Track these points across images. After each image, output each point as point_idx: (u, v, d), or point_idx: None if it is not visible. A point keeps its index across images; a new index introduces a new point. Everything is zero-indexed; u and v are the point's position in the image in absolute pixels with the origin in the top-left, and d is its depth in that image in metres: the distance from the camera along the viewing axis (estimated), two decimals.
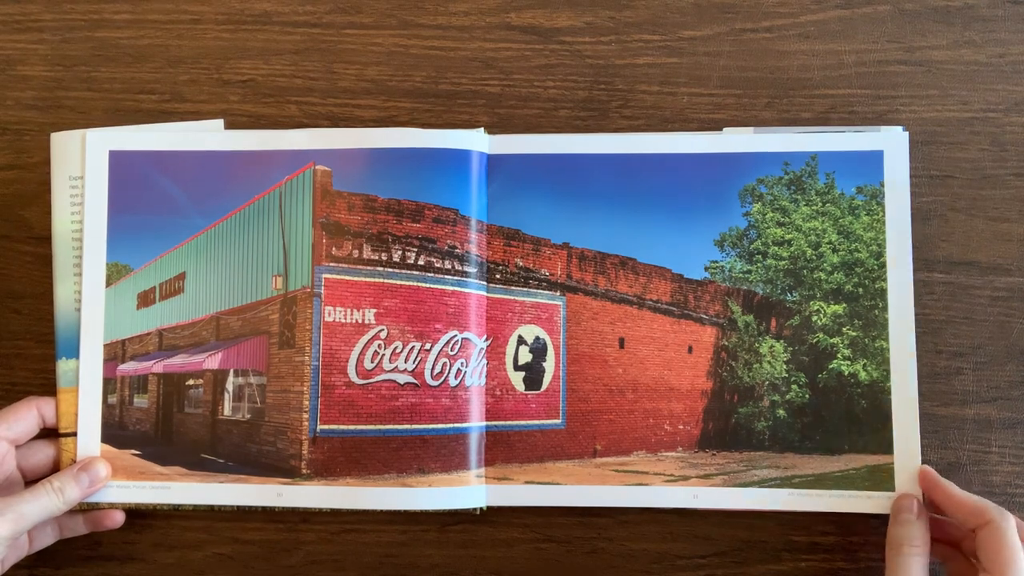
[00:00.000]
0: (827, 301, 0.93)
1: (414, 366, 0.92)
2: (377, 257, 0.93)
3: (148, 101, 0.97)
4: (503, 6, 0.97)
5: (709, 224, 0.93)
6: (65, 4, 0.98)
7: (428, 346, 0.92)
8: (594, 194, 0.94)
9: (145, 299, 0.96)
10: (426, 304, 0.93)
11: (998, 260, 0.93)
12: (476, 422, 0.92)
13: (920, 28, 0.96)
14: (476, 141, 0.93)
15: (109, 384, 0.93)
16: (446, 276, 0.93)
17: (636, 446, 0.94)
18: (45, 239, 0.94)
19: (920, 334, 0.92)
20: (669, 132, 0.95)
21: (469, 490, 0.91)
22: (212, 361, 0.97)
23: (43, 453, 0.91)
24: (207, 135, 0.95)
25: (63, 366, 0.93)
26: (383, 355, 0.92)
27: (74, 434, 0.92)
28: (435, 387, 0.92)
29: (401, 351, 0.92)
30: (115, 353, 0.94)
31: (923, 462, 0.91)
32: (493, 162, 0.94)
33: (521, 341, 0.94)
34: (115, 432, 0.93)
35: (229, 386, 0.96)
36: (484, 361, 0.93)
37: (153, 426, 0.96)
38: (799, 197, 0.93)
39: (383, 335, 0.92)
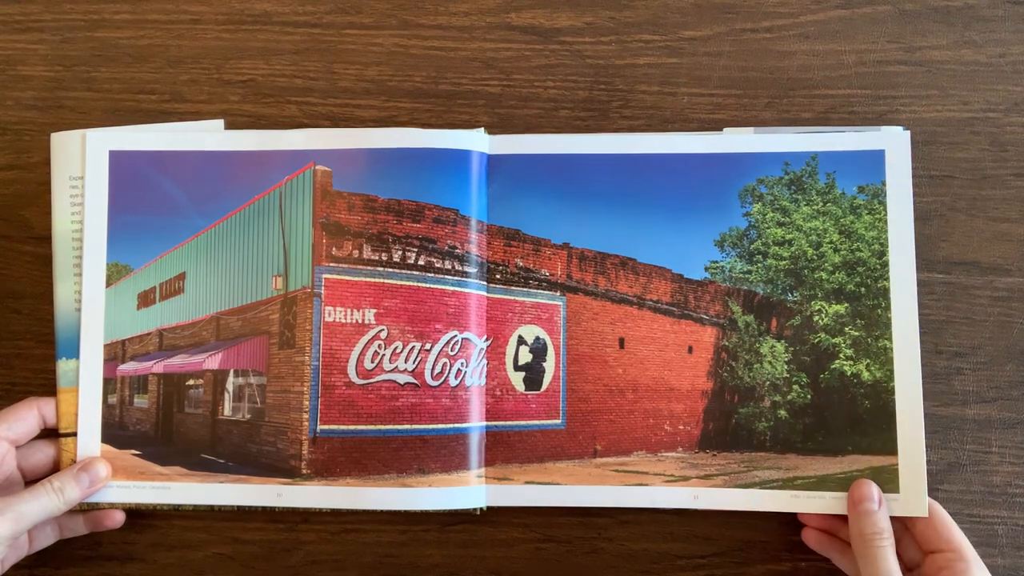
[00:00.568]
0: (828, 301, 0.93)
1: (414, 366, 0.92)
2: (377, 257, 0.93)
3: (148, 101, 0.97)
4: (503, 6, 0.97)
5: (709, 224, 0.93)
6: (65, 4, 0.98)
7: (428, 346, 0.92)
8: (594, 194, 0.94)
9: (145, 299, 0.96)
10: (426, 304, 0.93)
11: (998, 260, 0.93)
12: (476, 422, 0.92)
13: (920, 28, 0.96)
14: (476, 141, 0.93)
15: (109, 384, 0.93)
16: (446, 276, 0.93)
17: (636, 446, 0.94)
18: (45, 239, 0.94)
19: (920, 334, 0.92)
20: (669, 132, 0.95)
21: (469, 490, 0.91)
22: (212, 361, 0.97)
23: (43, 453, 0.91)
24: (207, 135, 0.95)
25: (63, 366, 0.93)
26: (383, 355, 0.92)
27: (74, 434, 0.92)
28: (435, 387, 0.92)
29: (401, 351, 0.92)
30: (115, 353, 0.94)
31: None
32: (493, 162, 0.94)
33: (521, 341, 0.94)
34: (115, 432, 0.93)
35: (229, 386, 0.96)
36: (484, 361, 0.93)
37: (153, 426, 0.96)
38: (799, 197, 0.93)
39: (383, 335, 0.92)
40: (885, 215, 0.92)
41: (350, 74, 0.97)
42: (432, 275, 0.93)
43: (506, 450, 0.93)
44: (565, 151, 0.94)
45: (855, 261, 0.92)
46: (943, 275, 0.93)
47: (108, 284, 0.93)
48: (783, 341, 0.93)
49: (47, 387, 0.94)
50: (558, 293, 0.96)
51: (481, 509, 0.92)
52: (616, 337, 0.95)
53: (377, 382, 0.92)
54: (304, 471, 0.91)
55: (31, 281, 0.96)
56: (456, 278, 0.93)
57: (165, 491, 0.92)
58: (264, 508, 0.92)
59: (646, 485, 0.92)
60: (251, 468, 0.93)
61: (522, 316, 0.95)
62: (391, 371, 0.92)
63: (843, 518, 0.88)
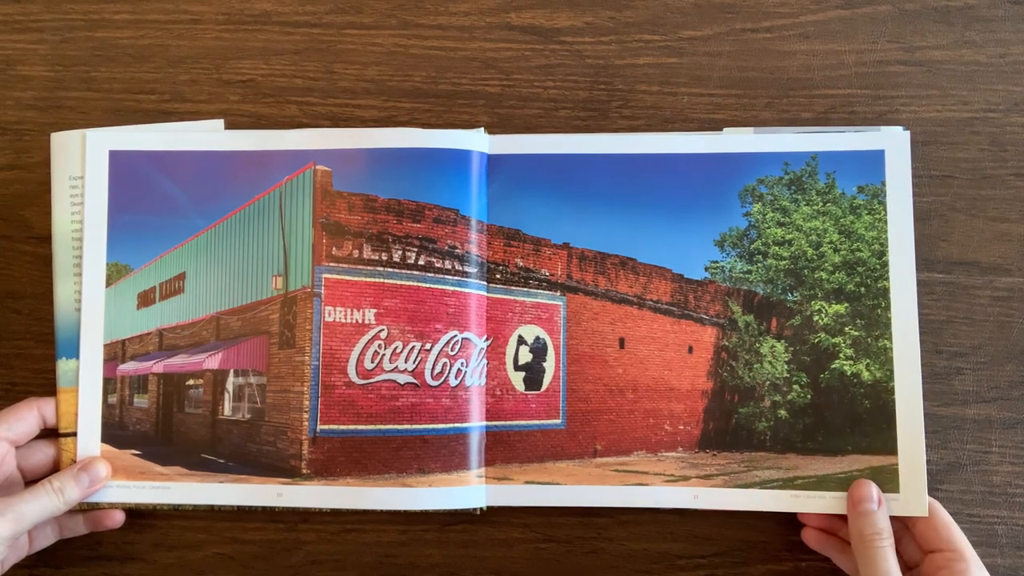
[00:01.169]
0: (828, 301, 0.93)
1: (414, 366, 0.92)
2: (377, 257, 0.92)
3: (148, 101, 0.97)
4: (503, 6, 0.97)
5: (709, 224, 0.93)
6: (65, 4, 0.98)
7: (428, 346, 0.92)
8: (594, 194, 0.94)
9: (145, 299, 0.96)
10: (426, 304, 0.92)
11: (998, 260, 0.93)
12: (476, 422, 0.92)
13: (920, 28, 0.96)
14: (476, 141, 0.93)
15: (109, 384, 0.93)
16: (446, 276, 0.93)
17: (636, 446, 0.94)
18: (45, 239, 0.94)
19: (920, 334, 0.92)
20: (669, 132, 0.95)
21: (469, 490, 0.91)
22: (212, 361, 0.97)
23: (43, 453, 0.91)
24: (207, 135, 0.95)
25: (63, 366, 0.93)
26: (383, 355, 0.92)
27: (74, 434, 0.92)
28: (435, 387, 0.92)
29: (401, 351, 0.92)
30: (115, 353, 0.94)
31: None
32: (493, 162, 0.94)
33: (521, 341, 0.94)
34: (115, 432, 0.93)
35: (229, 386, 0.95)
36: (484, 361, 0.93)
37: (153, 426, 0.96)
38: (799, 197, 0.93)
39: (383, 335, 0.92)
40: (885, 215, 0.92)
41: (350, 74, 0.97)
42: (432, 275, 0.93)
43: (506, 450, 0.93)
44: (565, 151, 0.94)
45: (855, 261, 0.92)
46: (943, 275, 0.93)
47: (108, 284, 0.93)
48: (783, 341, 0.93)
49: (47, 387, 0.94)
50: (558, 293, 0.96)
51: (481, 509, 0.92)
52: (616, 337, 0.95)
53: (377, 382, 0.92)
54: (304, 471, 0.91)
55: (31, 281, 0.96)
56: (456, 278, 0.93)
57: (165, 491, 0.92)
58: (264, 508, 0.92)
59: (646, 485, 0.92)
60: (251, 468, 0.93)
61: (522, 316, 0.95)
62: (391, 371, 0.92)
63: (843, 517, 0.88)
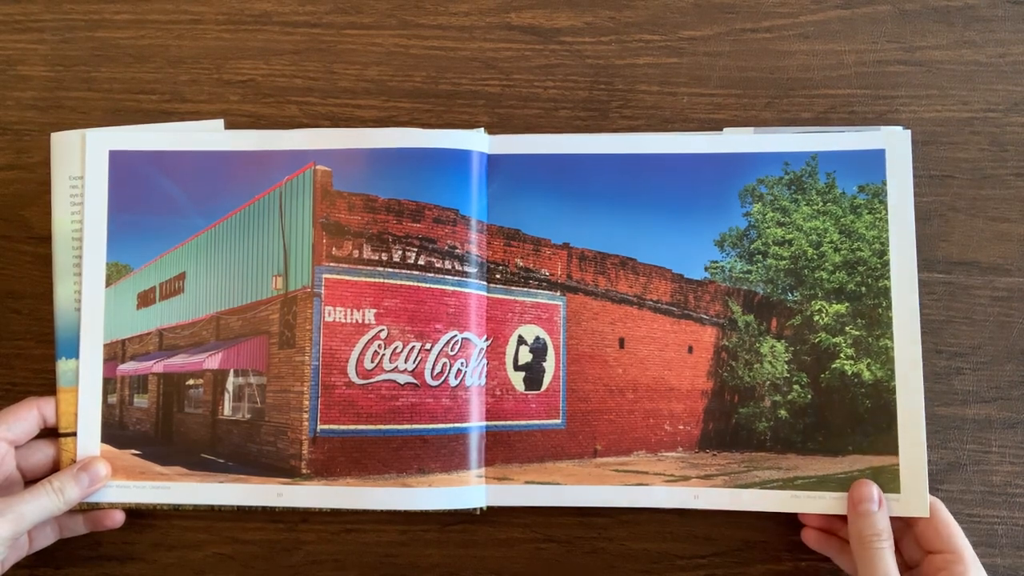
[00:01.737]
0: (829, 300, 0.93)
1: (414, 366, 0.92)
2: (377, 257, 0.92)
3: (148, 101, 0.97)
4: (503, 6, 0.97)
5: (709, 224, 0.93)
6: (65, 4, 0.98)
7: (428, 346, 0.92)
8: (594, 194, 0.94)
9: (145, 299, 0.96)
10: (426, 304, 0.92)
11: (998, 260, 0.93)
12: (476, 422, 0.92)
13: (920, 28, 0.96)
14: (476, 141, 0.93)
15: (109, 384, 0.93)
16: (446, 276, 0.93)
17: (636, 446, 0.94)
18: (45, 239, 0.94)
19: (920, 334, 0.92)
20: (669, 132, 0.95)
21: (469, 490, 0.91)
22: (212, 361, 0.97)
23: (43, 453, 0.91)
24: (207, 135, 0.95)
25: (63, 366, 0.92)
26: (383, 355, 0.92)
27: (74, 434, 0.92)
28: (435, 387, 0.92)
29: (401, 351, 0.92)
30: (115, 353, 0.94)
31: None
32: (493, 162, 0.94)
33: (521, 341, 0.94)
34: (115, 432, 0.93)
35: (229, 386, 0.95)
36: (484, 361, 0.93)
37: (153, 426, 0.95)
38: (799, 197, 0.93)
39: (383, 335, 0.92)
40: (886, 214, 0.92)
41: (350, 74, 0.97)
42: (432, 275, 0.93)
43: (506, 450, 0.93)
44: (565, 151, 0.94)
45: (855, 261, 0.92)
46: (943, 275, 0.93)
47: (108, 284, 0.93)
48: (783, 341, 0.93)
49: (47, 387, 0.93)
50: (558, 293, 0.96)
51: (481, 509, 0.92)
52: (616, 337, 0.95)
53: (377, 382, 0.92)
54: (304, 471, 0.91)
55: (31, 281, 0.96)
56: (456, 278, 0.93)
57: (165, 491, 0.92)
58: (264, 508, 0.92)
59: (646, 485, 0.92)
60: (251, 468, 0.93)
61: (522, 316, 0.95)
62: (391, 371, 0.92)
63: (843, 517, 0.88)
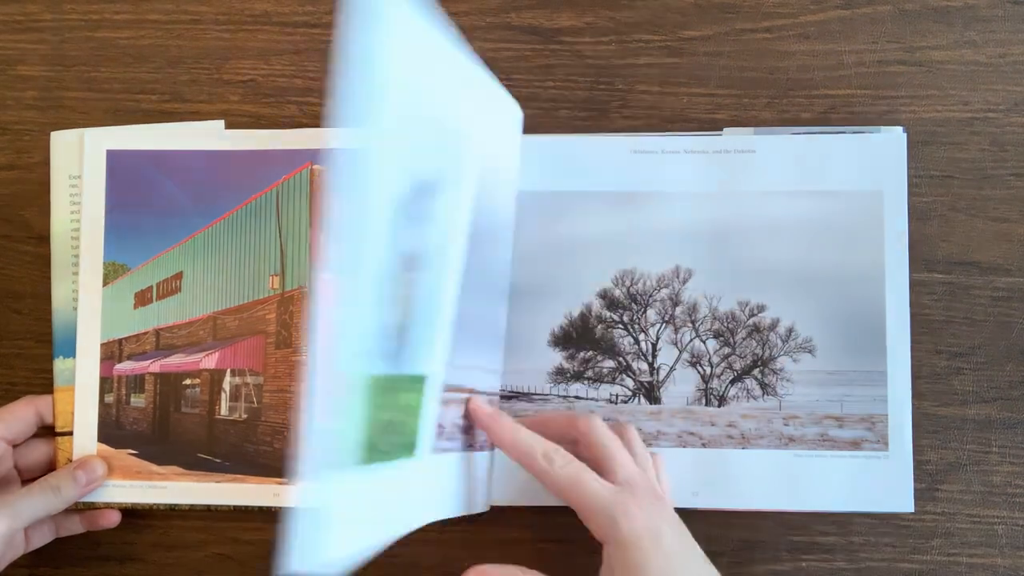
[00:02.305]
0: None
1: None
2: None
3: (148, 101, 0.97)
4: (503, 6, 0.97)
5: None
6: (65, 4, 0.98)
7: None
8: None
9: (142, 298, 0.96)
10: None
11: (998, 260, 0.93)
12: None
13: (920, 28, 0.95)
14: None
15: (106, 383, 0.93)
16: None
17: None
18: (45, 239, 0.95)
19: (920, 334, 0.92)
20: (671, 133, 0.95)
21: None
22: (209, 361, 0.96)
23: (39, 452, 0.91)
24: (207, 135, 0.95)
25: (60, 365, 0.93)
26: None
27: (70, 433, 0.92)
28: None
29: None
30: (112, 352, 0.94)
31: (923, 462, 0.91)
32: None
33: None
34: (112, 431, 0.93)
35: (226, 386, 0.95)
36: None
37: (150, 425, 0.95)
38: None
39: None
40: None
41: None
42: None
43: None
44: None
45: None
46: (943, 275, 0.93)
47: (105, 283, 0.93)
48: None
49: (47, 387, 0.94)
50: None
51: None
52: None
53: None
54: None
55: (31, 281, 0.96)
56: None
57: (162, 490, 0.92)
58: (261, 508, 0.92)
59: None
60: (248, 468, 0.92)
61: None
62: None
63: None
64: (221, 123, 0.95)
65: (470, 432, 0.87)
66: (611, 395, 0.93)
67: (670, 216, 0.93)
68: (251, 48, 0.98)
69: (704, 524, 0.92)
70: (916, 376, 0.91)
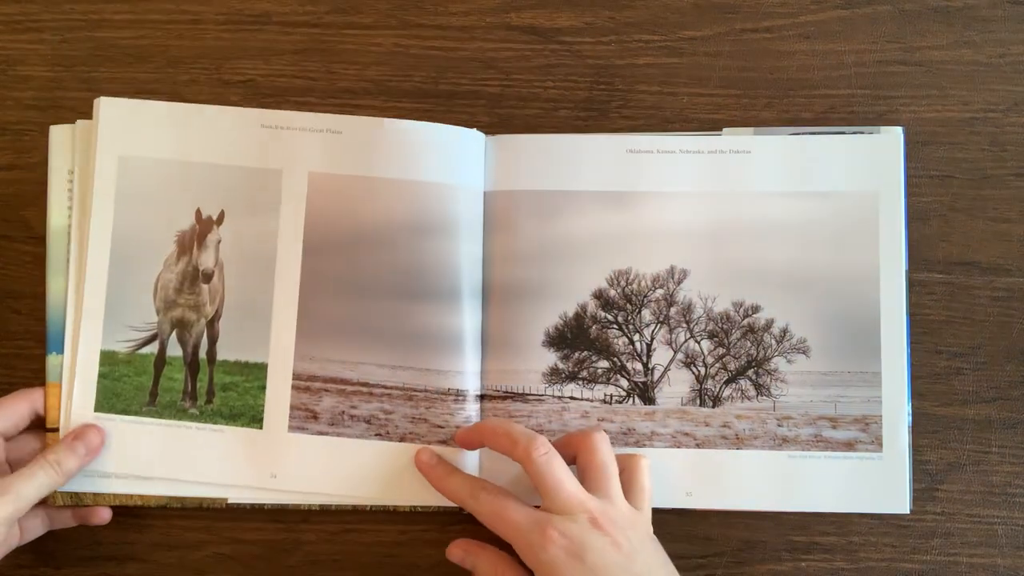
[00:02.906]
0: None
1: None
2: None
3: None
4: (503, 6, 0.97)
5: None
6: (65, 4, 0.98)
7: None
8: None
9: None
10: None
11: (998, 260, 0.93)
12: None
13: (920, 28, 0.96)
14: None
15: None
16: None
17: None
18: (45, 239, 0.94)
19: (920, 334, 0.92)
20: (669, 133, 0.95)
21: None
22: None
23: (30, 447, 0.89)
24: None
25: (52, 361, 0.92)
26: None
27: (57, 430, 0.91)
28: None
29: None
30: None
31: (923, 462, 0.91)
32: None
33: None
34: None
35: None
36: None
37: None
38: None
39: None
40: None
41: (350, 74, 0.97)
42: None
43: None
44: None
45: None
46: (943, 275, 0.93)
47: None
48: None
49: None
50: None
51: None
52: None
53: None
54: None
55: (31, 281, 0.95)
56: None
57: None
58: (254, 505, 0.92)
59: None
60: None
61: None
62: None
63: None
64: None
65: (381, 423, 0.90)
66: (605, 395, 0.93)
67: (665, 216, 0.93)
68: (251, 48, 0.97)
69: (704, 524, 0.92)
70: (916, 376, 0.92)
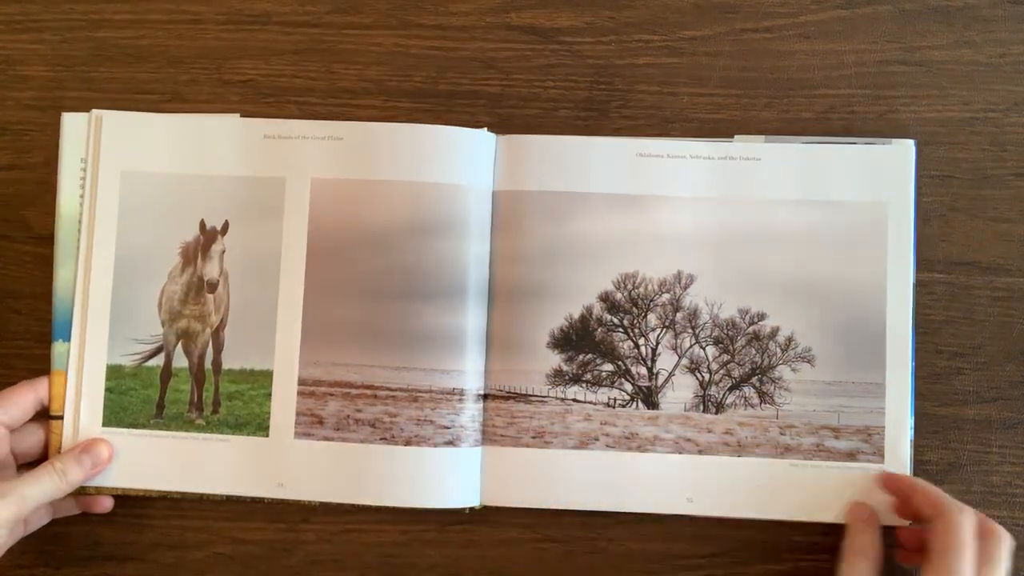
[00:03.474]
0: None
1: None
2: None
3: (148, 101, 0.97)
4: (503, 6, 0.97)
5: None
6: (65, 4, 0.98)
7: None
8: None
9: None
10: None
11: (998, 260, 0.93)
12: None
13: (920, 28, 0.96)
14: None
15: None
16: None
17: None
18: (46, 239, 0.94)
19: (920, 334, 0.92)
20: (680, 137, 0.94)
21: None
22: None
23: (35, 437, 0.90)
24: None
25: (58, 348, 0.92)
26: None
27: (62, 417, 0.91)
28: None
29: None
30: None
31: (923, 462, 0.91)
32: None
33: None
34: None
35: None
36: None
37: None
38: None
39: None
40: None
41: (350, 74, 0.97)
42: None
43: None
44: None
45: None
46: (943, 275, 0.93)
47: None
48: None
49: None
50: None
51: (472, 508, 0.91)
52: None
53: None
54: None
55: (31, 281, 0.95)
56: None
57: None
58: (255, 498, 0.92)
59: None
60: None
61: None
62: None
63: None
64: (236, 115, 0.95)
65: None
66: (609, 399, 0.93)
67: (674, 220, 0.93)
68: (251, 48, 0.97)
69: (704, 524, 0.92)
70: (916, 376, 0.91)
